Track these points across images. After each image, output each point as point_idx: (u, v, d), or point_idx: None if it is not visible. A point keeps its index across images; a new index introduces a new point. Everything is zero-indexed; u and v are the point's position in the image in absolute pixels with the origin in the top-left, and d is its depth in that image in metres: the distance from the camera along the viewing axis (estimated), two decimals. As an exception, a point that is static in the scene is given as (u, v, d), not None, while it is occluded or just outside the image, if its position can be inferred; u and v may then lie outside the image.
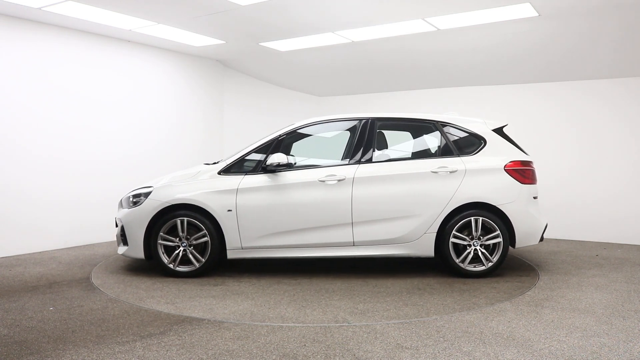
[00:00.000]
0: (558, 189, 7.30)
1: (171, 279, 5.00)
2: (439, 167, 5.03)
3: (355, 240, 4.99)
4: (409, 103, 8.58)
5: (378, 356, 3.08)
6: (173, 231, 5.09)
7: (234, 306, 4.14)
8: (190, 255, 5.07)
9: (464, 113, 5.67)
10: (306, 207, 5.00)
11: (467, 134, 5.24)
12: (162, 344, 3.29)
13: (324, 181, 5.02)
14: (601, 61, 6.82)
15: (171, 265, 5.08)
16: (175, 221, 5.05)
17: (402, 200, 4.97)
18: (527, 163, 5.15)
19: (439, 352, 3.13)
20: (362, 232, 4.98)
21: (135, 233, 5.11)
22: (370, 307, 4.08)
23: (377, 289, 4.63)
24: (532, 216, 5.05)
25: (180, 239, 5.08)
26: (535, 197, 5.12)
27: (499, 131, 5.31)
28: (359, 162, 5.11)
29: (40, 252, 6.33)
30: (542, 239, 5.16)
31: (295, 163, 5.27)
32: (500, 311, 3.94)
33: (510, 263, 5.66)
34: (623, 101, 7.02)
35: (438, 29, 6.22)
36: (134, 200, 5.25)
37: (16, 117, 6.15)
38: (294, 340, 3.35)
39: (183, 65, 8.12)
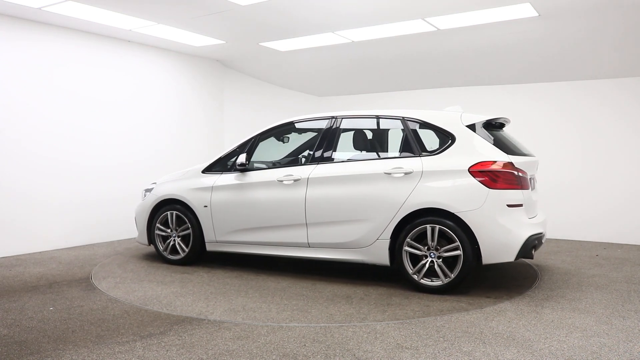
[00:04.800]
0: (558, 189, 7.30)
1: (159, 267, 5.37)
2: (393, 168, 4.58)
3: (310, 241, 4.93)
4: (409, 103, 8.58)
5: (378, 356, 3.08)
6: (168, 223, 5.72)
7: (153, 291, 4.59)
8: (177, 245, 5.64)
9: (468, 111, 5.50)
10: (266, 205, 5.12)
11: (434, 131, 4.67)
12: (162, 344, 3.29)
13: (282, 181, 5.04)
14: (602, 61, 6.82)
15: (164, 253, 5.72)
16: (167, 214, 5.67)
17: (352, 203, 4.68)
18: (506, 165, 4.33)
19: (439, 352, 3.13)
20: (316, 234, 4.87)
21: (142, 222, 5.89)
22: (259, 307, 4.10)
23: (307, 292, 4.53)
24: (503, 227, 4.23)
25: (171, 230, 5.69)
26: (511, 205, 4.28)
27: (477, 127, 4.59)
28: (317, 162, 4.99)
29: (40, 252, 6.33)
30: (527, 255, 4.33)
31: (264, 163, 5.47)
32: (500, 311, 3.94)
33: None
34: (624, 101, 7.02)
35: (438, 29, 6.22)
36: (145, 194, 6.03)
37: (16, 118, 6.15)
38: (294, 340, 3.35)
39: (183, 65, 8.12)
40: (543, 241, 4.67)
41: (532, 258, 4.43)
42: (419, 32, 6.37)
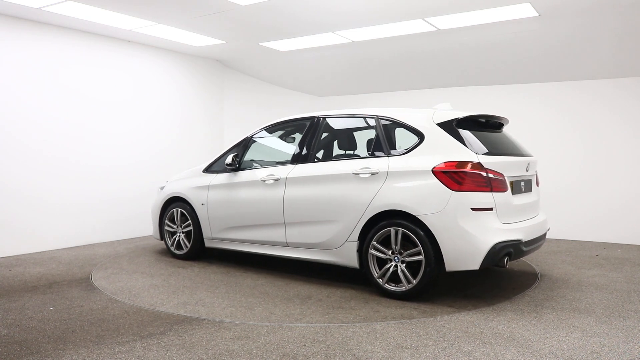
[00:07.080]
0: (558, 189, 7.30)
1: (162, 261, 5.65)
2: (361, 169, 4.46)
3: (288, 241, 4.98)
4: (409, 103, 8.58)
5: (378, 356, 3.08)
6: (175, 219, 6.02)
7: (135, 282, 4.91)
8: (181, 241, 5.93)
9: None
10: (250, 204, 5.27)
11: (405, 129, 4.45)
12: (162, 344, 3.29)
13: (264, 180, 5.12)
14: (601, 61, 6.82)
15: (171, 248, 6.03)
16: (173, 211, 5.98)
17: (323, 204, 4.66)
18: (474, 165, 4.01)
19: (439, 352, 3.13)
20: (293, 234, 4.92)
21: (154, 219, 6.26)
22: (212, 302, 4.22)
23: (273, 290, 4.59)
24: (466, 232, 3.93)
25: (177, 226, 5.97)
26: (477, 209, 3.97)
27: (450, 125, 4.27)
28: (297, 162, 5.01)
29: (40, 252, 6.33)
30: (498, 263, 4.04)
31: (254, 163, 5.57)
32: (500, 311, 3.94)
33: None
34: (623, 101, 7.02)
35: (438, 29, 6.22)
36: (159, 191, 6.30)
37: (16, 118, 6.14)
38: (294, 340, 3.35)
39: (184, 65, 8.12)
40: (525, 248, 4.27)
41: (504, 267, 4.13)
42: (419, 32, 6.37)
